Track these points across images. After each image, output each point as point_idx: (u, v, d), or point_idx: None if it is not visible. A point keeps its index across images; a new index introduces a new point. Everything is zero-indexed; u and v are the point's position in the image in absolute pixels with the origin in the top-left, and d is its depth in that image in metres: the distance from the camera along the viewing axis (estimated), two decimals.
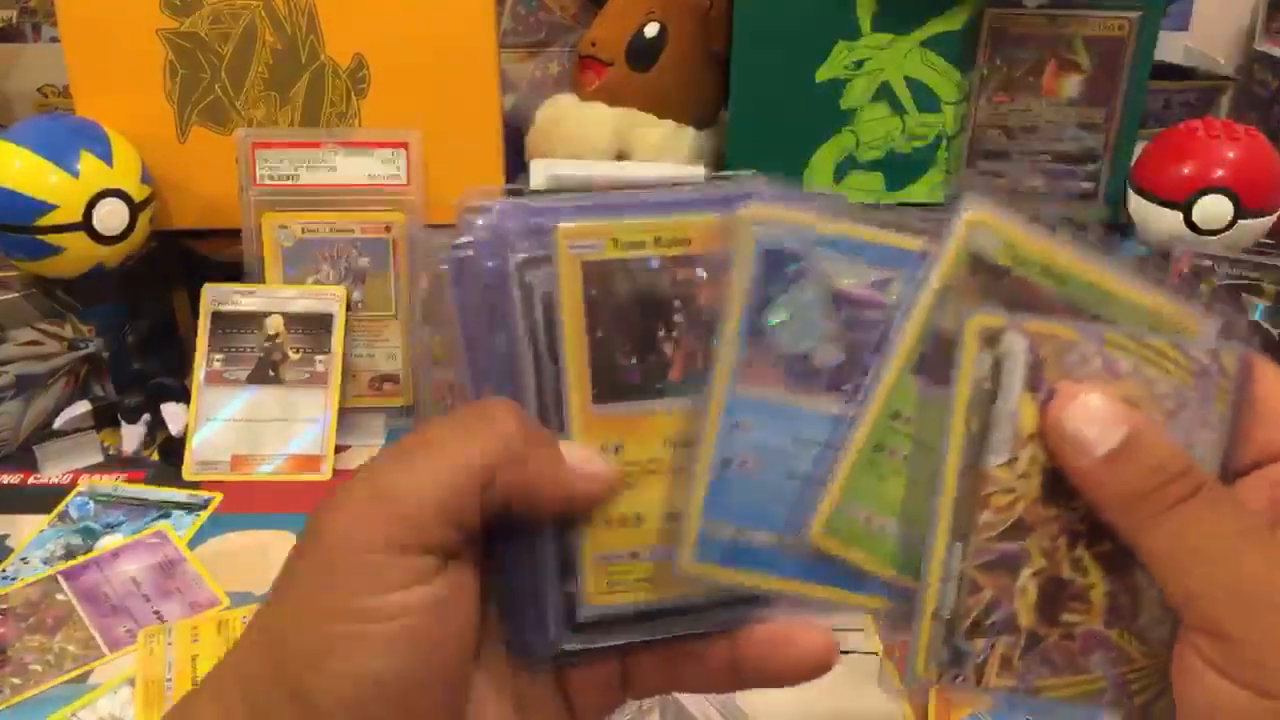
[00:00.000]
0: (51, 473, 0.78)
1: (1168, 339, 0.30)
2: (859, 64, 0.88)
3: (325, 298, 0.82)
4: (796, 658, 0.32)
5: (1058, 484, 0.30)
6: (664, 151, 0.92)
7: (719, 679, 0.33)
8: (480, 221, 0.31)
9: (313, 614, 0.28)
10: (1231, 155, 0.80)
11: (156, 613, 0.65)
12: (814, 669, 0.32)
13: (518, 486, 0.29)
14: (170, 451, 0.79)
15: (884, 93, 0.89)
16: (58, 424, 0.79)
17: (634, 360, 0.31)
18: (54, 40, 0.94)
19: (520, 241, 0.31)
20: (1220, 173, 0.80)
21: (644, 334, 0.31)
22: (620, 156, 0.92)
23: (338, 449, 0.80)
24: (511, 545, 0.31)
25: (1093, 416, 0.29)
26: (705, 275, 0.31)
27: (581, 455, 0.31)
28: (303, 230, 0.83)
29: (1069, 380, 0.30)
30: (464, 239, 0.31)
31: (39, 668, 0.61)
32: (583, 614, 0.32)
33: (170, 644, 0.61)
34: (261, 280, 0.83)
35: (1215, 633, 0.27)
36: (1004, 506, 0.30)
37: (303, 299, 0.82)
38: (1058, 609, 0.31)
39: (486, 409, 0.30)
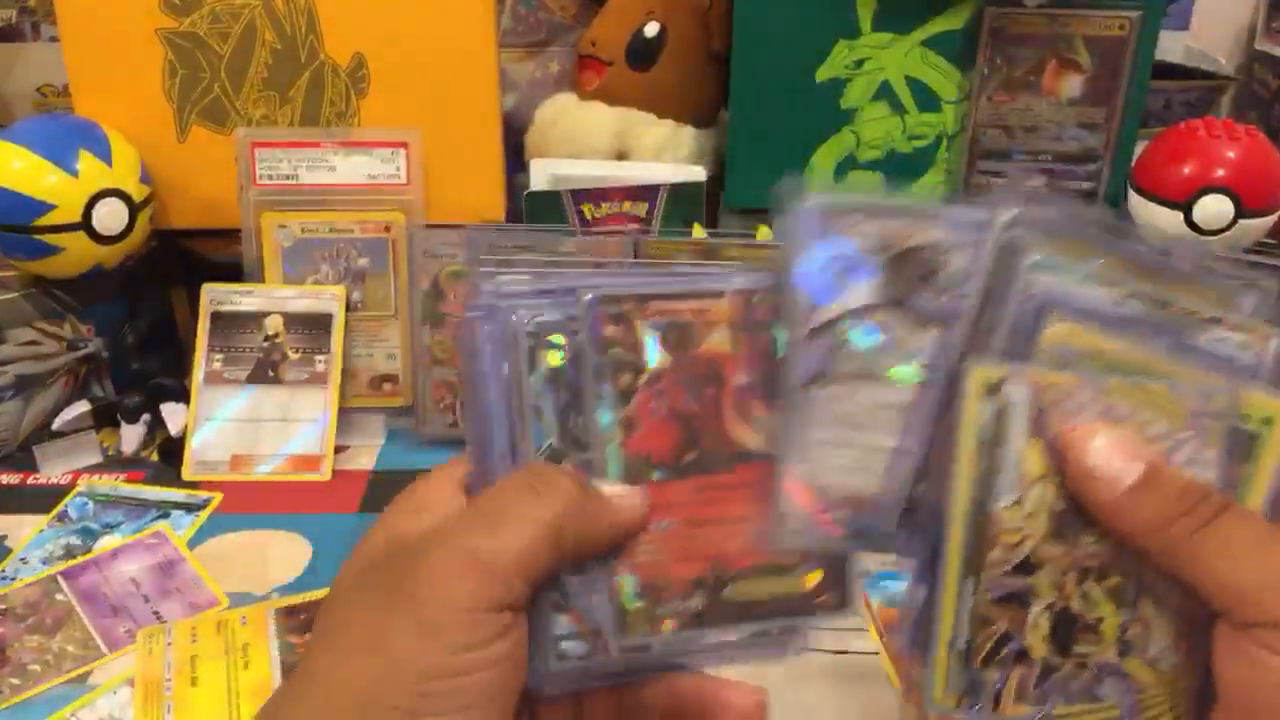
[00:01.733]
0: (51, 473, 0.78)
1: (1163, 383, 0.31)
2: (859, 63, 0.88)
3: (325, 298, 0.82)
4: (729, 713, 0.35)
5: (1064, 523, 0.31)
6: (663, 151, 0.92)
7: None
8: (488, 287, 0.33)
9: (414, 673, 0.30)
10: (1232, 155, 0.80)
11: (156, 613, 0.65)
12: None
13: (584, 537, 0.32)
14: (170, 451, 0.79)
15: (884, 92, 0.89)
16: (57, 424, 0.79)
17: None
18: (53, 40, 0.94)
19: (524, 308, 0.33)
20: (1221, 172, 0.80)
21: None
22: (620, 156, 0.92)
23: (337, 449, 0.80)
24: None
25: (1113, 453, 0.31)
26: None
27: (619, 491, 0.34)
28: (302, 230, 0.83)
29: (1072, 423, 0.31)
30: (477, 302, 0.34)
31: (38, 668, 0.61)
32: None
33: (169, 644, 0.61)
34: (261, 280, 0.83)
35: (1275, 622, 0.29)
36: (1013, 545, 0.32)
37: (302, 299, 0.82)
38: (1070, 641, 0.32)
39: (545, 472, 0.33)
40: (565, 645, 0.34)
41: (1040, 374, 0.31)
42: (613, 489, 0.33)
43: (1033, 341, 0.32)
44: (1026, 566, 0.32)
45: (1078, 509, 0.31)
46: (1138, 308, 0.32)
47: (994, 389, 0.31)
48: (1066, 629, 0.32)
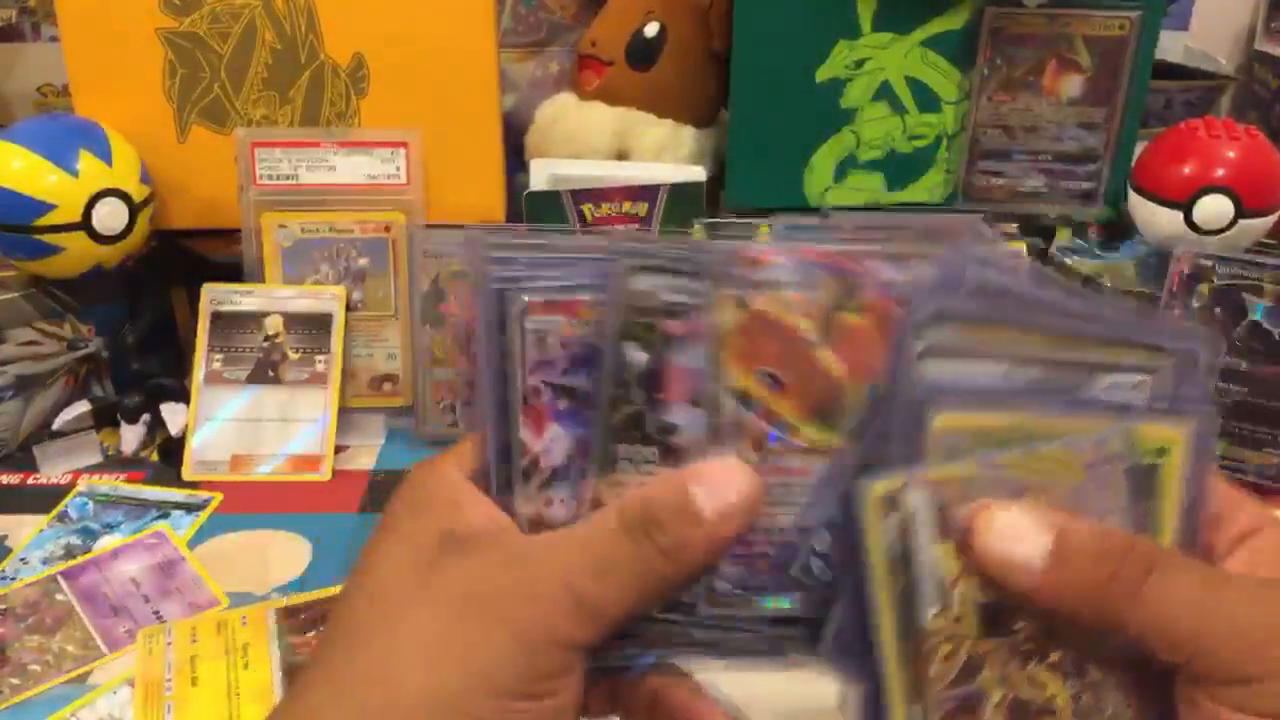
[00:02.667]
0: (51, 473, 0.78)
1: (1056, 444, 0.31)
2: (859, 63, 0.88)
3: (325, 298, 0.82)
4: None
5: (994, 615, 0.31)
6: (663, 151, 0.92)
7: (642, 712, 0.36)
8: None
9: (500, 689, 0.29)
10: (1232, 155, 0.80)
11: (156, 613, 0.65)
12: None
13: (685, 575, 0.31)
14: (170, 451, 0.79)
15: (884, 92, 0.89)
16: (57, 424, 0.79)
17: None
18: (53, 40, 0.94)
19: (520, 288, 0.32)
20: (1221, 172, 0.80)
21: None
22: (620, 156, 0.92)
23: (337, 449, 0.80)
24: None
25: (1015, 534, 0.30)
26: None
27: (721, 473, 0.31)
28: (302, 230, 0.83)
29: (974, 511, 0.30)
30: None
31: (38, 668, 0.61)
32: None
33: (169, 644, 0.61)
34: (261, 280, 0.83)
35: (1233, 679, 0.28)
36: (949, 654, 0.31)
37: (302, 299, 0.82)
38: None
39: (648, 510, 0.31)
40: None
41: (935, 471, 0.30)
42: (719, 503, 0.31)
43: (921, 438, 0.31)
44: (968, 671, 0.31)
45: (1002, 597, 0.31)
46: (1026, 374, 0.31)
47: (892, 502, 0.30)
48: (1022, 718, 0.31)
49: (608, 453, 0.32)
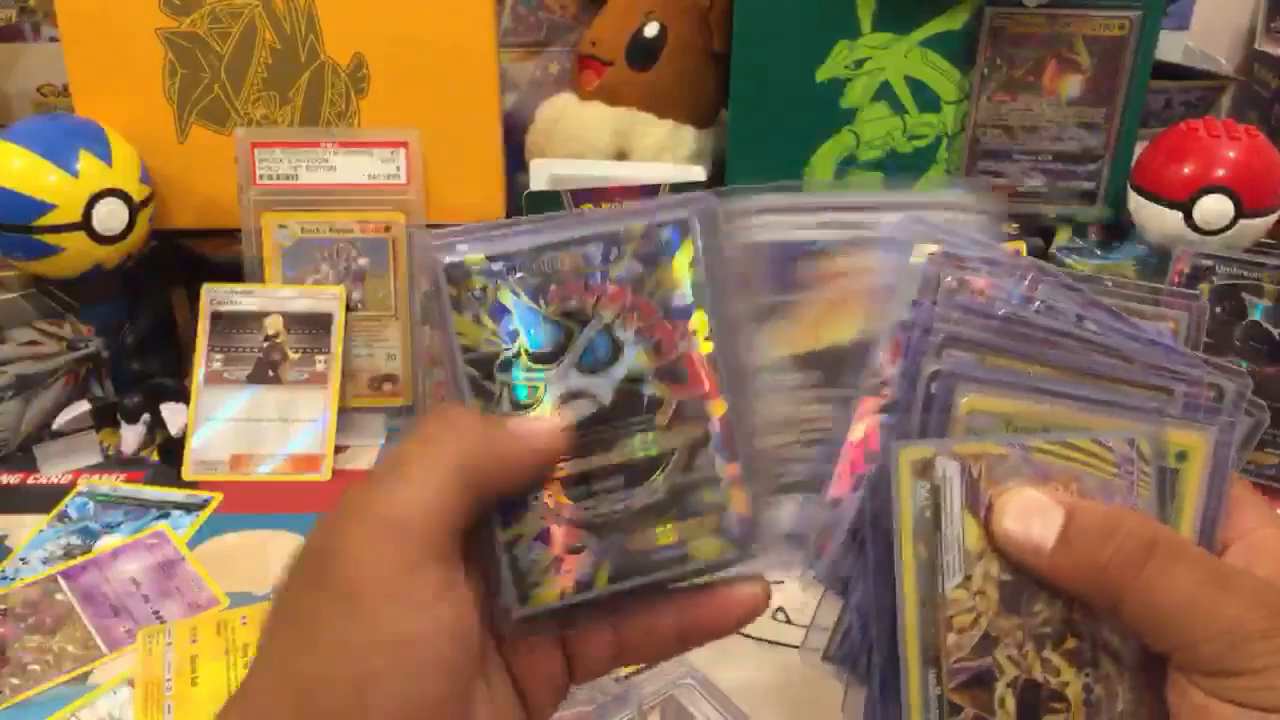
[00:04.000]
0: (51, 473, 0.78)
1: (1089, 436, 0.32)
2: (859, 63, 0.88)
3: (325, 298, 0.82)
4: (738, 613, 0.34)
5: (1015, 594, 0.31)
6: (663, 151, 0.92)
7: (667, 646, 0.35)
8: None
9: (351, 658, 0.28)
10: (1232, 155, 0.80)
11: (156, 613, 0.65)
12: (751, 616, 0.34)
13: (494, 472, 0.31)
14: (170, 451, 0.79)
15: (884, 92, 0.89)
16: (57, 424, 0.79)
17: None
18: (54, 40, 0.94)
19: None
20: (1221, 172, 0.80)
21: None
22: (620, 156, 0.92)
23: (337, 449, 0.80)
24: (480, 530, 0.33)
25: (1029, 510, 0.31)
26: None
27: (530, 421, 0.33)
28: (302, 230, 0.83)
29: (1000, 489, 0.31)
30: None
31: (38, 668, 0.61)
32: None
33: (169, 644, 0.61)
34: (261, 280, 0.83)
35: (1220, 672, 0.29)
36: (968, 626, 0.32)
37: (302, 299, 0.82)
38: (1038, 713, 0.32)
39: (444, 415, 0.32)
40: (536, 576, 0.33)
41: (966, 445, 0.31)
42: (519, 420, 0.32)
43: (948, 416, 0.32)
44: (984, 646, 0.31)
45: (1023, 577, 0.31)
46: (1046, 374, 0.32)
47: (925, 468, 0.31)
48: (1033, 701, 0.32)
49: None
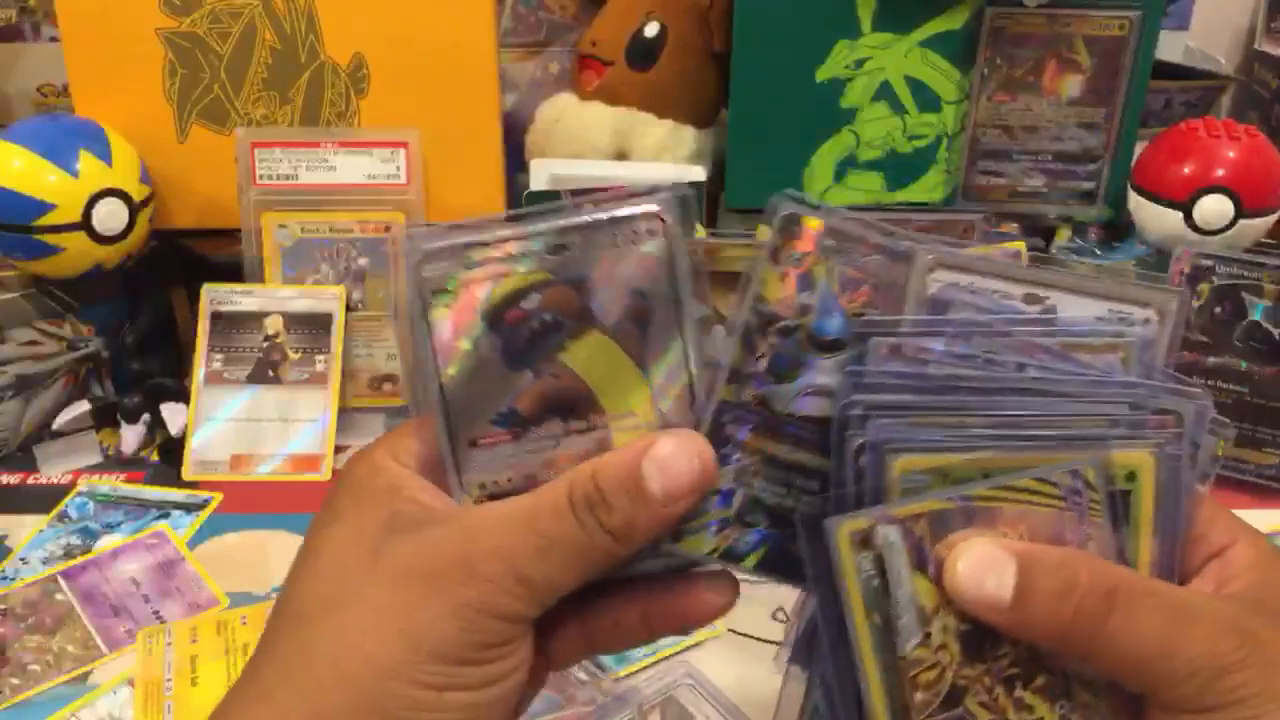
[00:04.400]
0: (51, 473, 0.78)
1: (1031, 475, 0.31)
2: (859, 63, 0.87)
3: (324, 298, 0.82)
4: (704, 611, 0.34)
5: (977, 641, 0.31)
6: (664, 151, 0.92)
7: (633, 635, 0.35)
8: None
9: (431, 654, 0.30)
10: (1232, 155, 0.80)
11: (156, 613, 0.65)
12: (719, 612, 0.35)
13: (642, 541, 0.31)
14: (170, 451, 0.79)
15: (884, 92, 0.89)
16: (57, 424, 0.79)
17: None
18: (54, 40, 0.94)
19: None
20: (1221, 172, 0.80)
21: None
22: (620, 156, 0.92)
23: (337, 449, 0.80)
24: None
25: (981, 566, 0.30)
26: None
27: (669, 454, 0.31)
28: (302, 230, 0.83)
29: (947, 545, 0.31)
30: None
31: (38, 668, 0.61)
32: None
33: (169, 644, 0.61)
34: (261, 280, 0.83)
35: (1201, 709, 0.29)
36: (933, 681, 0.31)
37: (302, 299, 0.82)
38: None
39: (599, 485, 0.31)
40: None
41: (905, 508, 0.31)
42: (669, 484, 0.31)
43: (881, 482, 0.31)
44: (953, 697, 0.31)
45: (983, 625, 0.31)
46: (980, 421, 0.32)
47: (865, 538, 0.30)
48: None
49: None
